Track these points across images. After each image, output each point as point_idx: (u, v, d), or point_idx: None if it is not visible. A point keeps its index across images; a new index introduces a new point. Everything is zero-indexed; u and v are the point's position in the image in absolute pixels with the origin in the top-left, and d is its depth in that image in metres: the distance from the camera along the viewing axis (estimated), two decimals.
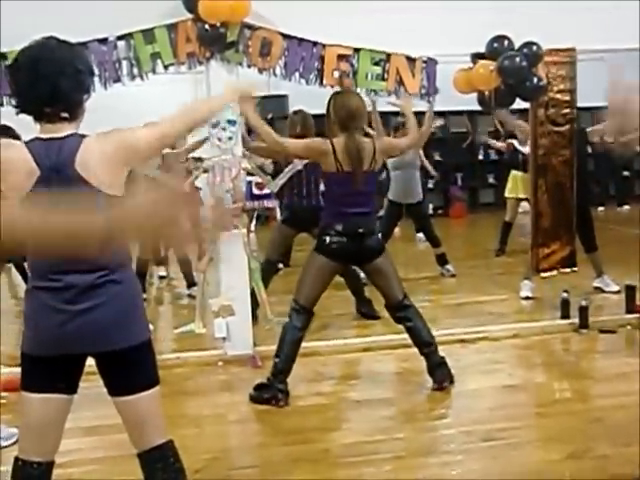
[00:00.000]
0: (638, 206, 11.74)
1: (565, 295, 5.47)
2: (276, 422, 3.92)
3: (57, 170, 2.10)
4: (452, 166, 13.07)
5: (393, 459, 3.38)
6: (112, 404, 2.30)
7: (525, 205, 7.76)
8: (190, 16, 4.50)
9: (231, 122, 4.67)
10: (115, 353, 2.21)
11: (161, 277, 7.97)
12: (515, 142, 7.85)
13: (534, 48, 4.86)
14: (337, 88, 4.54)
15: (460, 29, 4.81)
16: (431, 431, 3.77)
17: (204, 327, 4.88)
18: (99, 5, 4.30)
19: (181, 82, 7.53)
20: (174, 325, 5.71)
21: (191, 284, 6.71)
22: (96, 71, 4.27)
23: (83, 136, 2.17)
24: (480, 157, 13.24)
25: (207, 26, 4.46)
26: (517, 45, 4.88)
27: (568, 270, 5.72)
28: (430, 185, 12.45)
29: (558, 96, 5.43)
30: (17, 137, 3.58)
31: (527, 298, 6.10)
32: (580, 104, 5.55)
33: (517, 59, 4.76)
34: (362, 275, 5.45)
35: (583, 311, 5.25)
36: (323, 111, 4.21)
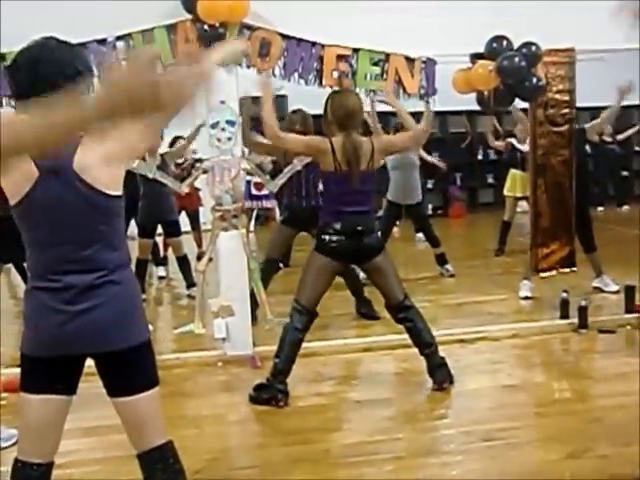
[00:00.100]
0: (637, 206, 11.75)
1: (564, 295, 5.47)
2: (276, 422, 3.92)
3: (55, 171, 2.10)
4: (451, 166, 13.03)
5: (393, 459, 3.38)
6: (111, 405, 2.29)
7: (524, 205, 7.77)
8: (189, 17, 4.50)
9: (230, 123, 4.67)
10: (114, 354, 2.21)
11: (160, 277, 7.98)
12: (514, 141, 7.86)
13: (533, 48, 4.87)
14: (336, 88, 4.54)
15: (459, 29, 4.82)
16: (431, 431, 3.77)
17: (203, 327, 4.87)
18: (98, 6, 4.30)
19: None
20: (173, 325, 5.71)
21: (190, 284, 6.71)
22: (96, 72, 4.28)
23: (81, 136, 2.17)
24: (479, 157, 13.25)
25: (206, 26, 4.46)
26: (516, 45, 4.88)
27: (567, 270, 5.73)
28: (429, 185, 12.47)
29: (557, 96, 5.43)
30: None
31: (526, 298, 6.10)
32: (579, 104, 5.56)
33: (516, 59, 4.77)
34: (362, 275, 5.46)
35: (582, 311, 5.25)
36: (322, 111, 4.22)
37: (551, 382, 4.38)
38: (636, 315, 5.42)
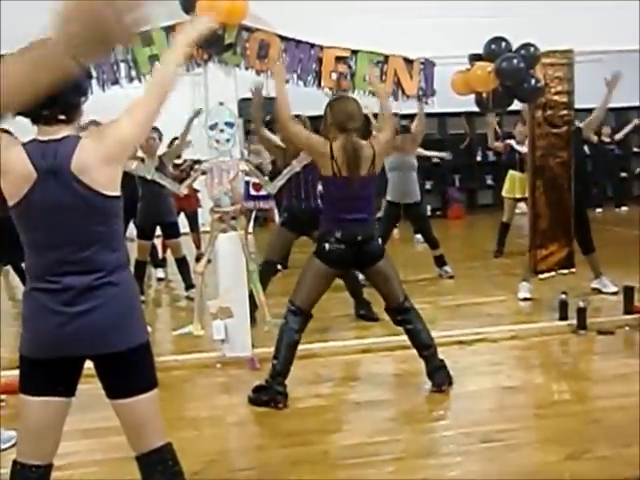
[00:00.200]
0: (636, 207, 11.76)
1: (563, 296, 5.47)
2: (275, 424, 3.91)
3: (54, 172, 2.10)
4: (450, 168, 13.08)
5: (392, 461, 3.38)
6: (110, 406, 2.29)
7: (522, 206, 7.77)
8: (188, 18, 4.50)
9: (229, 124, 4.67)
10: (113, 355, 2.20)
11: (159, 279, 7.98)
12: (512, 142, 7.87)
13: (532, 50, 4.87)
14: (337, 94, 4.55)
15: (458, 31, 4.82)
16: (430, 433, 3.77)
17: (202, 329, 4.87)
18: None
19: (179, 84, 7.52)
20: (172, 327, 5.70)
21: (189, 286, 6.70)
22: (94, 73, 4.28)
23: (79, 137, 2.17)
24: (478, 158, 13.26)
25: None
26: (515, 47, 4.88)
27: (566, 271, 5.73)
28: (428, 186, 12.49)
29: (556, 98, 5.44)
30: None
31: (525, 299, 6.11)
32: (578, 106, 5.56)
33: (515, 61, 4.77)
34: (361, 277, 5.46)
35: (581, 312, 5.25)
36: (320, 112, 4.22)
37: (550, 383, 4.38)
38: (635, 316, 5.42)
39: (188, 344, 5.13)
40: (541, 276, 5.77)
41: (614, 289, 6.12)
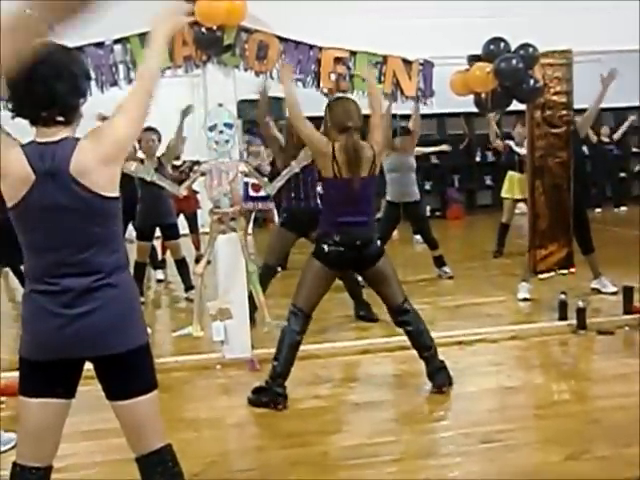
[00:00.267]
0: (635, 207, 11.77)
1: (563, 296, 5.48)
2: (275, 425, 3.91)
3: (52, 174, 2.10)
4: (449, 168, 13.09)
5: (392, 461, 3.38)
6: (110, 408, 2.29)
7: (522, 206, 7.77)
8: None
9: (228, 125, 4.67)
10: (113, 357, 2.20)
11: (159, 280, 7.98)
12: (511, 143, 7.87)
13: (530, 50, 4.87)
14: (336, 95, 4.55)
15: (456, 31, 4.82)
16: (430, 433, 3.77)
17: (202, 330, 4.86)
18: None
19: (178, 85, 7.53)
20: (172, 328, 5.70)
21: (189, 287, 6.70)
22: (93, 75, 4.28)
23: (77, 139, 2.17)
24: (477, 159, 13.26)
25: (204, 29, 4.46)
26: (513, 47, 4.88)
27: (565, 271, 5.73)
28: (427, 187, 12.49)
29: (555, 98, 5.44)
30: None
31: (525, 300, 6.11)
32: (577, 106, 5.56)
33: (513, 61, 4.77)
34: (360, 278, 5.46)
35: (581, 312, 5.25)
36: (319, 114, 4.22)
37: (550, 383, 4.38)
38: (634, 316, 5.42)
39: (188, 345, 5.13)
40: (541, 276, 5.77)
41: (613, 289, 6.13)
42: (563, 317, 5.42)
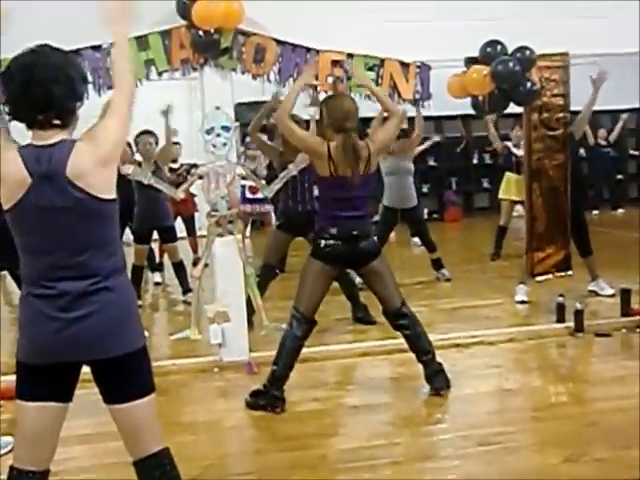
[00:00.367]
0: (632, 209, 11.78)
1: (560, 299, 5.48)
2: (273, 428, 3.91)
3: (48, 177, 2.09)
4: (446, 170, 13.10)
5: (390, 464, 3.37)
6: (107, 412, 2.28)
7: (519, 209, 7.78)
8: (184, 23, 4.50)
9: (225, 128, 4.67)
10: (110, 361, 2.20)
11: (156, 284, 7.96)
12: (509, 144, 7.87)
13: (527, 53, 4.88)
14: (330, 93, 4.55)
15: (453, 34, 4.82)
16: (428, 436, 3.76)
17: (199, 333, 4.86)
18: (92, 12, 4.29)
19: (175, 88, 7.53)
20: (169, 332, 5.68)
21: (186, 290, 6.69)
22: (90, 78, 4.27)
23: (74, 142, 2.16)
24: (474, 161, 13.27)
25: (201, 32, 4.46)
26: (510, 50, 4.89)
27: (563, 274, 5.74)
28: (425, 189, 12.50)
29: (552, 100, 5.44)
30: None
31: (522, 302, 6.10)
32: (573, 108, 5.56)
33: (510, 64, 4.78)
34: (358, 280, 5.46)
35: (578, 315, 5.25)
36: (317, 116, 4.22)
37: (548, 386, 4.38)
38: (632, 318, 5.42)
39: (185, 348, 5.12)
40: (538, 279, 5.77)
41: (611, 291, 6.13)
42: (561, 319, 5.42)
